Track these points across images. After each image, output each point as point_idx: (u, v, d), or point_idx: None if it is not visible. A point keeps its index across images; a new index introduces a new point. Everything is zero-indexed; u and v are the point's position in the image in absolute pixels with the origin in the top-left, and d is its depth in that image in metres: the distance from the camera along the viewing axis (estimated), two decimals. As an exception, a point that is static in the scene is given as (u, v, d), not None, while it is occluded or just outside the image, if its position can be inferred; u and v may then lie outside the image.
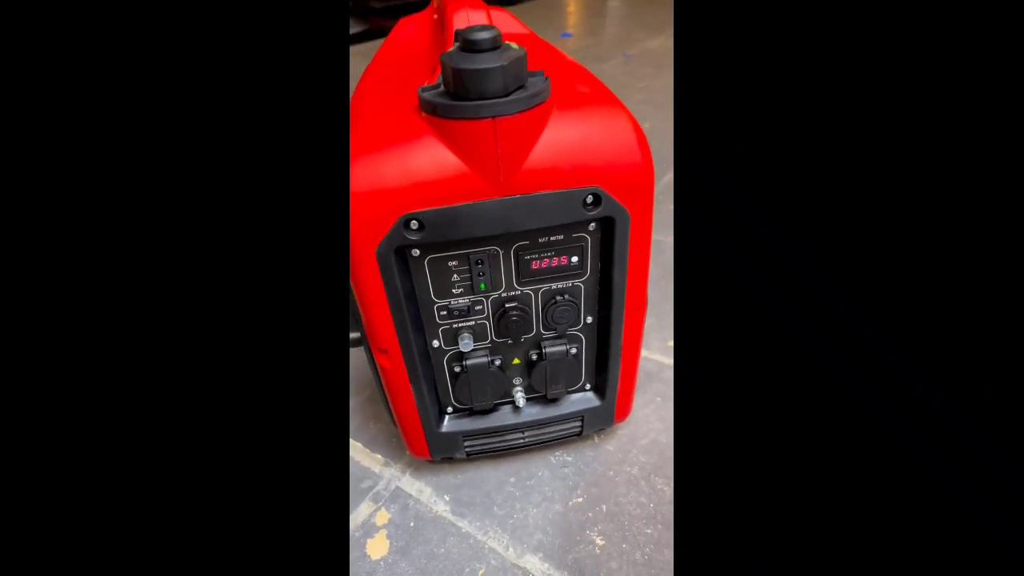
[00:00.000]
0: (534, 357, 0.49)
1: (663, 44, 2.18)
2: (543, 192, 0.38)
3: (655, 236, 0.89)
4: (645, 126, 1.42)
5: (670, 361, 0.70)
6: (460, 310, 0.44)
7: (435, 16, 0.62)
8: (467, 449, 0.54)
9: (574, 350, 0.49)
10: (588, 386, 0.53)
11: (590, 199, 0.39)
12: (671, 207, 1.04)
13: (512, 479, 0.57)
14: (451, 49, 0.35)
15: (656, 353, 0.72)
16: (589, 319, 0.48)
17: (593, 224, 0.41)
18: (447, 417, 0.52)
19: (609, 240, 0.42)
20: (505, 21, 0.63)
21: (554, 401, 0.53)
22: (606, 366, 0.50)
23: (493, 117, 0.34)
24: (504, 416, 0.52)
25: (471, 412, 0.52)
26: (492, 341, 0.47)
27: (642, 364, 0.66)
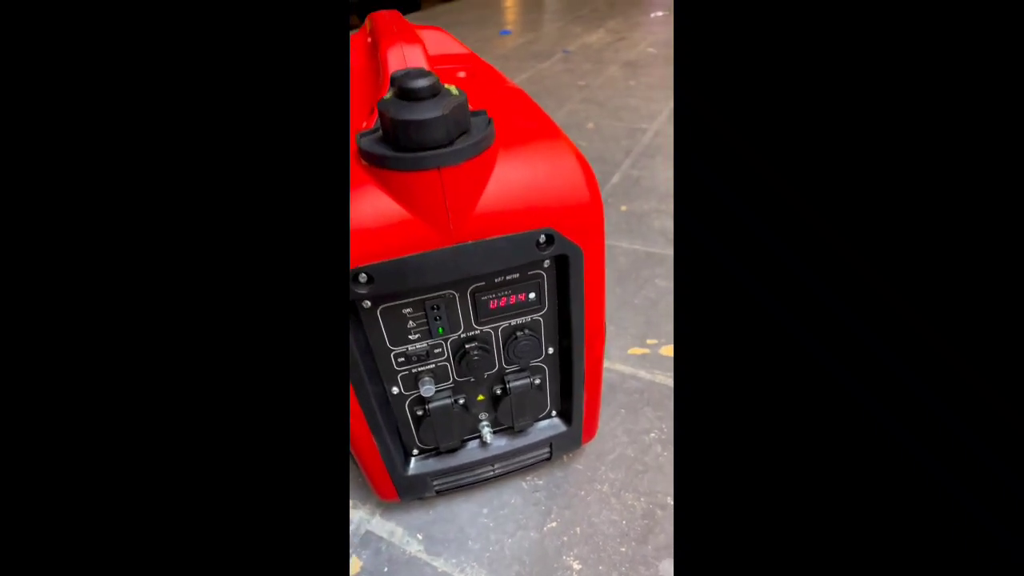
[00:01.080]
0: (498, 391, 0.48)
1: (601, 39, 2.20)
2: (495, 237, 0.37)
3: (605, 241, 0.89)
4: (589, 126, 1.43)
5: (631, 370, 0.71)
6: (418, 355, 0.43)
7: (368, 40, 0.59)
8: (436, 488, 0.52)
9: (538, 381, 0.49)
10: (554, 413, 0.53)
11: (543, 240, 0.38)
12: (621, 208, 1.05)
13: (485, 510, 0.56)
14: (387, 96, 0.34)
15: (617, 363, 0.72)
16: (551, 349, 0.47)
17: (548, 261, 0.41)
18: (413, 459, 0.51)
19: (564, 277, 0.41)
20: (441, 41, 0.61)
21: (522, 431, 0.52)
22: (571, 392, 0.50)
23: (438, 168, 0.33)
24: (472, 452, 0.51)
25: (438, 452, 0.51)
26: (454, 381, 0.46)
27: (603, 376, 0.67)
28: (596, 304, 0.44)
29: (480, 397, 0.48)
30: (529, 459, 0.54)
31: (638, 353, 0.74)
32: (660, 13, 2.47)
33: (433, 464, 0.51)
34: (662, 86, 1.62)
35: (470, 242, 0.36)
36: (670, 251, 0.94)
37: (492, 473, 0.54)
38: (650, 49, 2.00)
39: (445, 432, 0.47)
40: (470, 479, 0.53)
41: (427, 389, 0.44)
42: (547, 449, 0.54)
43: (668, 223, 1.01)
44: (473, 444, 0.52)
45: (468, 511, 0.56)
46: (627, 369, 0.71)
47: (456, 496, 0.57)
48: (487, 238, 0.37)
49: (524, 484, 0.58)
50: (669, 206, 1.06)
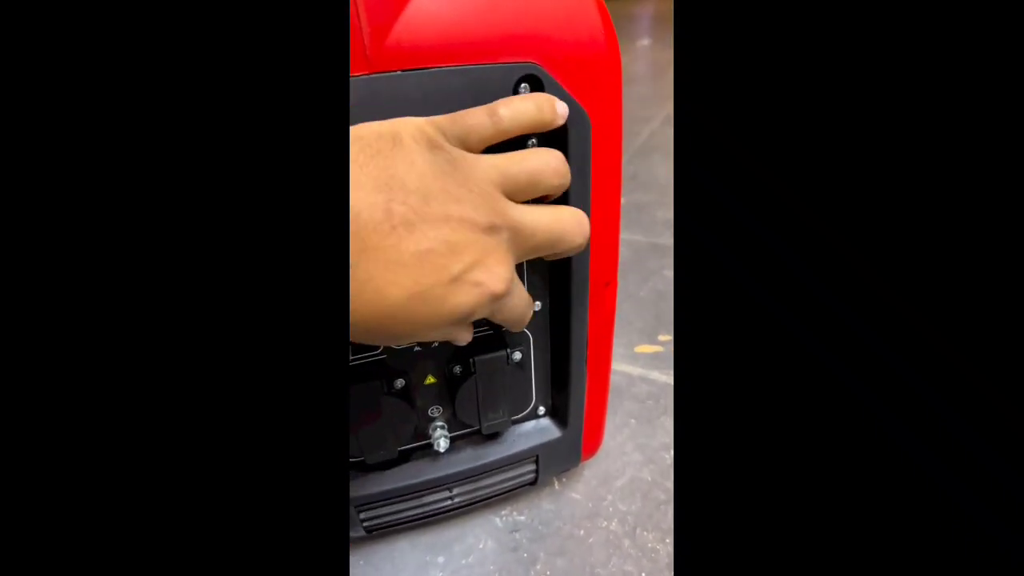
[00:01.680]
0: (457, 370, 0.32)
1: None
2: (442, 67, 0.22)
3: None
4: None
5: (641, 371, 0.55)
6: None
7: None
8: (366, 524, 0.35)
9: (518, 355, 0.32)
10: (542, 410, 0.36)
11: (523, 86, 0.23)
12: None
13: (440, 558, 0.39)
14: None
15: (622, 363, 0.57)
16: (537, 304, 0.31)
17: (534, 138, 0.26)
18: (327, 478, 0.33)
19: (560, 165, 0.26)
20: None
21: (493, 437, 0.36)
22: (567, 377, 0.34)
23: None
24: (419, 468, 0.34)
25: (364, 467, 0.34)
26: (387, 348, 0.30)
27: (607, 377, 0.51)
28: (608, 228, 0.29)
29: (429, 379, 0.32)
30: (505, 482, 0.37)
31: (648, 351, 0.58)
32: (646, 41, 2.47)
33: (359, 486, 0.33)
34: (653, 97, 1.57)
35: (397, 72, 0.21)
36: (678, 240, 0.80)
37: (450, 502, 0.36)
38: (638, 68, 1.98)
39: (373, 434, 0.30)
40: (417, 512, 0.36)
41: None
42: (532, 467, 0.37)
43: (672, 214, 0.89)
44: (421, 455, 0.35)
45: (415, 560, 0.38)
46: (635, 370, 0.56)
47: (397, 537, 0.40)
48: (427, 67, 0.21)
49: (498, 520, 0.41)
50: (672, 198, 0.95)
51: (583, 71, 0.24)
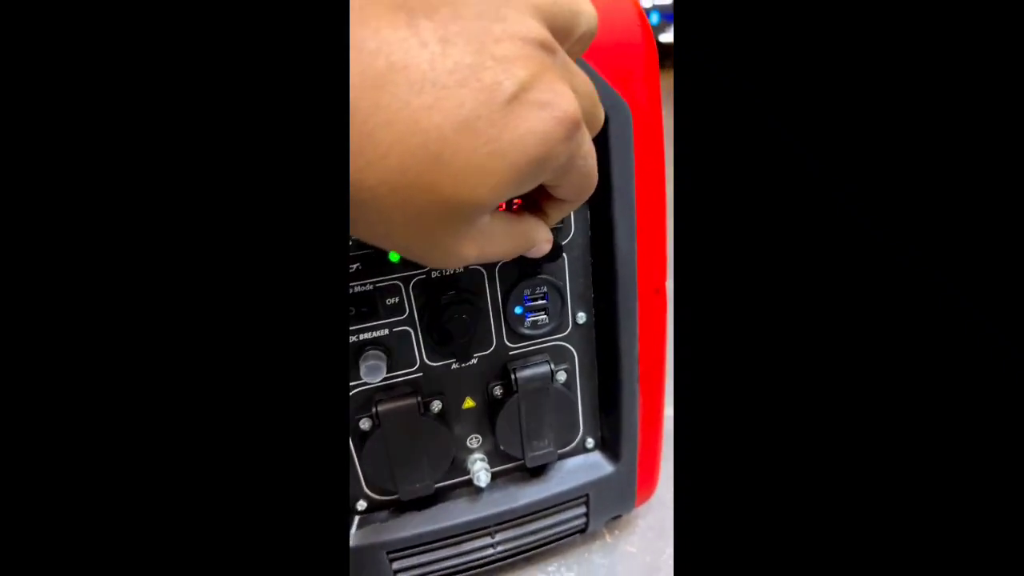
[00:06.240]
0: (498, 392, 0.29)
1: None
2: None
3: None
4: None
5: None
6: (359, 304, 0.25)
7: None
8: (398, 577, 0.31)
9: (563, 375, 0.30)
10: (591, 442, 0.33)
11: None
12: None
13: (481, 625, 0.34)
14: None
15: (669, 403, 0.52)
16: (581, 316, 0.29)
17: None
18: (357, 519, 0.30)
19: (603, 160, 0.25)
20: None
21: (538, 474, 0.32)
22: (618, 400, 0.31)
23: None
24: (458, 508, 0.31)
25: (398, 505, 0.30)
26: (423, 365, 0.28)
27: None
28: (654, 227, 0.27)
29: (468, 402, 0.29)
30: (553, 528, 0.33)
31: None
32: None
33: (392, 528, 0.30)
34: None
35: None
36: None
37: (492, 552, 0.32)
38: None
39: (409, 464, 0.28)
40: (455, 563, 0.32)
41: (372, 367, 0.25)
42: (582, 510, 0.33)
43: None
44: (458, 493, 0.31)
45: (453, 626, 0.33)
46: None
47: (434, 599, 0.35)
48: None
49: (545, 578, 0.36)
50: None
51: (620, 61, 0.24)
